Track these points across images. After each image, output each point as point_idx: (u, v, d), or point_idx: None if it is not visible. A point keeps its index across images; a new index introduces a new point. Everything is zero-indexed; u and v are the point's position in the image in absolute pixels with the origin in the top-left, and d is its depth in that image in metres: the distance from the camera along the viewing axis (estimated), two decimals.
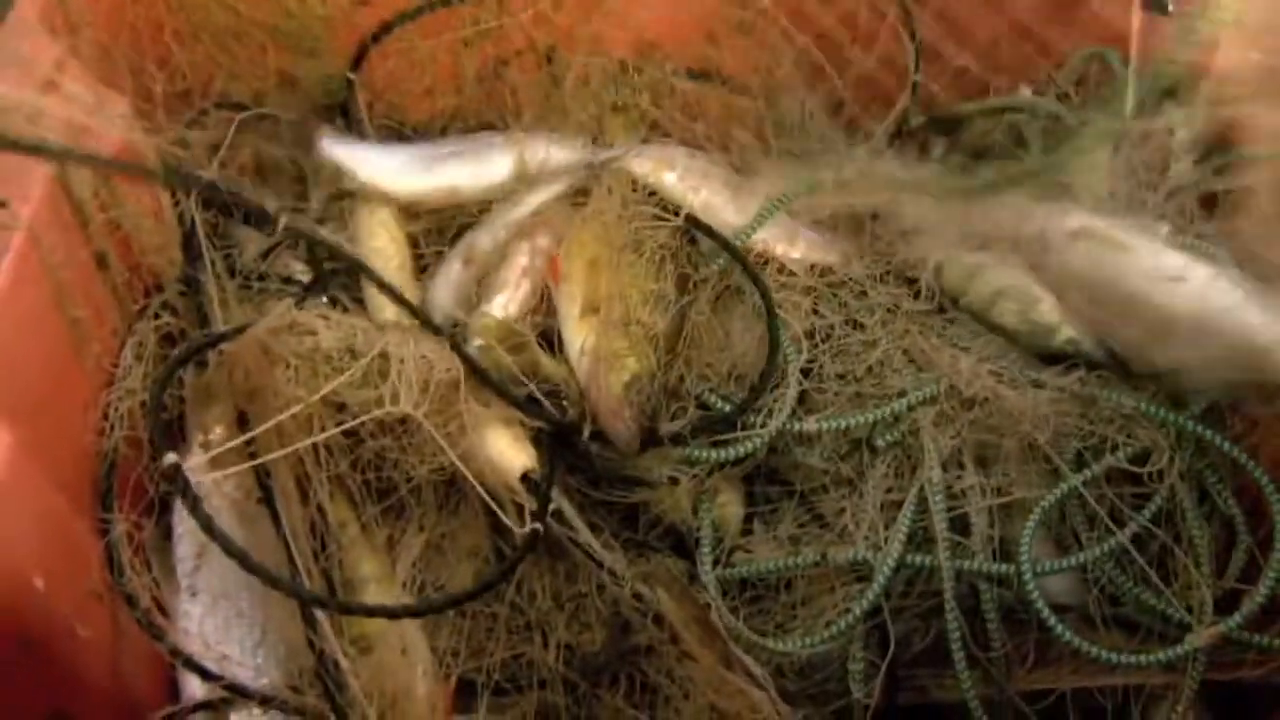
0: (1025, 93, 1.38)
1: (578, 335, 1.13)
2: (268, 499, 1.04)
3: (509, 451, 1.04)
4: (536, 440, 1.07)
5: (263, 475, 1.04)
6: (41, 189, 0.98)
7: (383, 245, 1.26)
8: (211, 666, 1.04)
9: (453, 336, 1.07)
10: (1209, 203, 1.19)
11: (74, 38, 1.10)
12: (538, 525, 1.01)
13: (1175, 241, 1.13)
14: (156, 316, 1.13)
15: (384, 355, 1.01)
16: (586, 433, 1.08)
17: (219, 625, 1.08)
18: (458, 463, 1.00)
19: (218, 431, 1.11)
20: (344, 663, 0.99)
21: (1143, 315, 1.09)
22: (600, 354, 1.09)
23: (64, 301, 1.01)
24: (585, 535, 1.05)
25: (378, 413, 0.98)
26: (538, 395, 1.08)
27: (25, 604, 0.88)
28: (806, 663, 1.07)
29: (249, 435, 1.01)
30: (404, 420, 1.01)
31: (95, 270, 1.08)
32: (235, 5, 1.24)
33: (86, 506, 1.03)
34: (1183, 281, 1.07)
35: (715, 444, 1.10)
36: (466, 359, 1.03)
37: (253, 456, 1.01)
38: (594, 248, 1.18)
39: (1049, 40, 1.40)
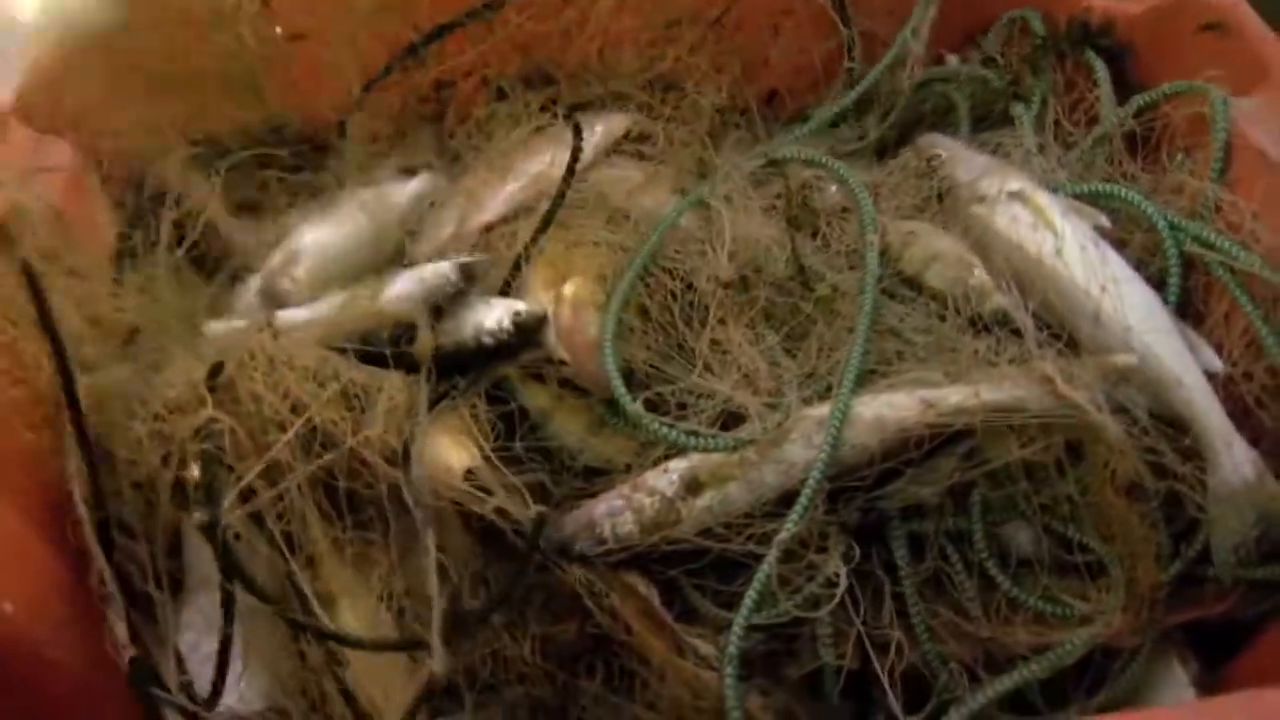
0: (951, 60, 1.40)
1: (550, 290, 1.17)
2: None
3: (449, 452, 1.06)
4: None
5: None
6: None
7: None
8: None
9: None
10: (1133, 143, 1.21)
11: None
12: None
13: (1108, 234, 1.15)
14: None
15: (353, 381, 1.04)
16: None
17: (203, 660, 1.08)
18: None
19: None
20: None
21: (1051, 294, 1.12)
22: (581, 299, 1.15)
23: None
24: None
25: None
26: None
27: None
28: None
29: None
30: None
31: None
32: (173, 51, 1.28)
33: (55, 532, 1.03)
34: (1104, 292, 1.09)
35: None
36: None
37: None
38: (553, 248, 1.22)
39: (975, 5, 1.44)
